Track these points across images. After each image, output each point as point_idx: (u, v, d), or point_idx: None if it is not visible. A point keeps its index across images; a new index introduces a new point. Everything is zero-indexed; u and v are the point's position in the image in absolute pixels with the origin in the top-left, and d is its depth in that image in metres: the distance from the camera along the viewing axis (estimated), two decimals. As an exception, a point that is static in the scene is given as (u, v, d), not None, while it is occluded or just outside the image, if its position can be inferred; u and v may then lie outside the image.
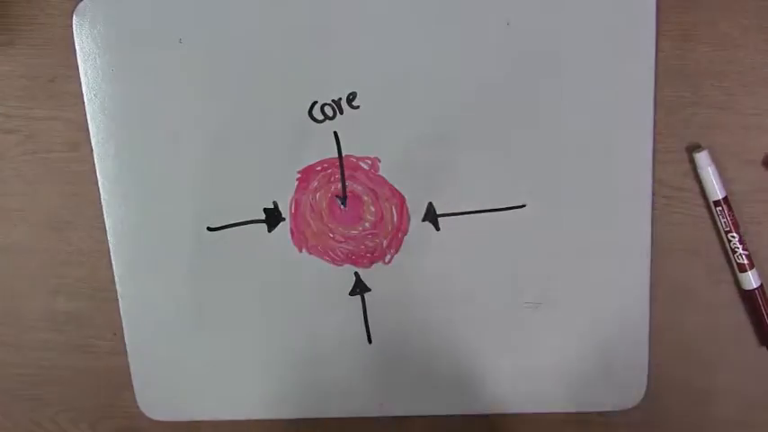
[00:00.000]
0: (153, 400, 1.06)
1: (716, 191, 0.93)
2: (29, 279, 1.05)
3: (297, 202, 0.97)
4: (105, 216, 0.99)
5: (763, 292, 0.96)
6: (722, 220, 0.94)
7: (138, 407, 1.06)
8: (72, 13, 0.94)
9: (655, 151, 0.94)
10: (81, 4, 0.94)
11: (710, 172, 0.92)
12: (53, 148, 1.00)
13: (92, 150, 0.98)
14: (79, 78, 0.96)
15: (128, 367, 1.04)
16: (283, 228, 0.98)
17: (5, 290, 1.06)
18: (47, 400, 1.10)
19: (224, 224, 0.99)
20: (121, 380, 1.05)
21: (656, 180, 0.94)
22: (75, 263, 1.04)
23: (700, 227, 0.96)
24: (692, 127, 0.94)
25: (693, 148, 0.93)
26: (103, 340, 1.06)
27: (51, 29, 0.97)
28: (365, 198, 0.97)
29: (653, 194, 0.94)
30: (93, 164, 0.98)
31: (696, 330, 1.00)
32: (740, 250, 0.95)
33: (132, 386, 1.06)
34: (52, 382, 1.09)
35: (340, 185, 0.97)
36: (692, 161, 0.94)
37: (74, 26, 0.94)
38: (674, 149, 0.94)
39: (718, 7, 0.91)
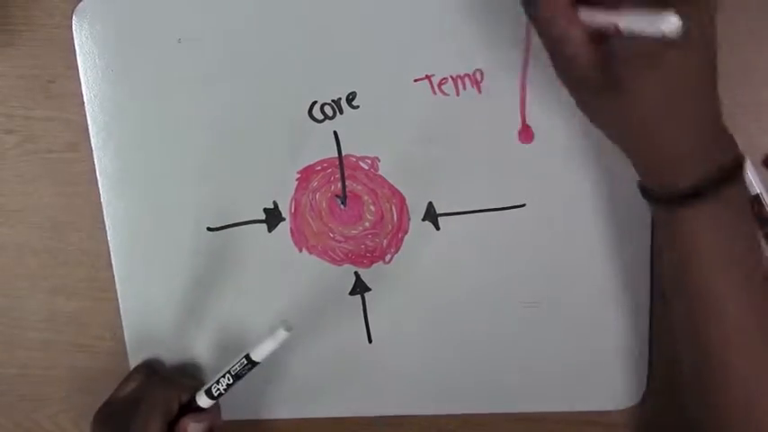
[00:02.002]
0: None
1: (753, 186, 0.92)
2: (29, 279, 1.05)
3: (297, 202, 0.97)
4: (105, 216, 1.00)
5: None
6: (758, 215, 0.94)
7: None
8: (72, 13, 0.94)
9: (655, 151, 0.93)
10: (81, 5, 0.94)
11: (746, 167, 0.91)
12: (53, 148, 1.00)
13: (91, 150, 0.98)
14: (79, 78, 0.96)
15: (127, 367, 1.04)
16: (283, 227, 0.98)
17: (5, 290, 1.06)
18: (47, 400, 1.10)
19: (224, 224, 0.99)
20: (121, 380, 1.05)
21: (656, 180, 0.94)
22: (75, 263, 1.04)
23: (699, 226, 0.96)
24: (691, 127, 0.94)
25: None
26: (103, 340, 1.06)
27: (51, 29, 0.97)
28: (365, 198, 0.97)
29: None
30: (93, 164, 0.98)
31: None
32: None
33: (132, 386, 1.06)
34: (52, 382, 1.09)
35: (340, 185, 0.97)
36: None
37: (73, 26, 0.94)
38: (674, 149, 0.94)
39: (719, 7, 0.91)
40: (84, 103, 0.96)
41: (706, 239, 0.79)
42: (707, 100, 0.76)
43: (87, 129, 0.97)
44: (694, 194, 0.77)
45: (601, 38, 0.73)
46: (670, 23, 0.63)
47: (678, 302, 0.85)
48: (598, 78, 0.74)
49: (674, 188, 0.78)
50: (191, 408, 0.95)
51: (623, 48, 0.71)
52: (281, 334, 0.87)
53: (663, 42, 0.66)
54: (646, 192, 0.82)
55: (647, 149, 0.79)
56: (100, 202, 1.00)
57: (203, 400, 0.94)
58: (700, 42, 0.71)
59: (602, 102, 0.77)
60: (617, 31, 0.70)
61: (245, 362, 0.90)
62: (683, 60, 0.71)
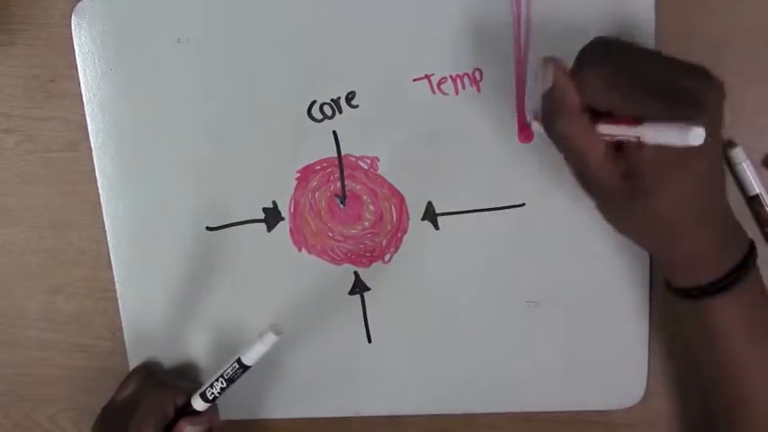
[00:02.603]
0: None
1: (753, 186, 0.93)
2: (29, 279, 1.05)
3: (296, 202, 0.97)
4: (105, 216, 1.00)
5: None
6: (758, 215, 0.94)
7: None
8: (71, 12, 0.94)
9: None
10: (80, 4, 0.94)
11: (746, 167, 0.92)
12: (53, 148, 1.00)
13: (91, 150, 0.98)
14: (78, 78, 0.96)
15: (127, 367, 1.05)
16: (283, 227, 0.98)
17: (5, 289, 1.06)
18: (46, 400, 1.10)
19: (223, 224, 0.99)
20: (120, 379, 1.05)
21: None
22: (75, 263, 1.04)
23: (699, 226, 0.96)
24: (691, 127, 0.94)
25: (727, 145, 0.93)
26: (103, 340, 1.06)
27: (51, 29, 0.97)
28: (364, 197, 0.97)
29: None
30: (93, 163, 0.98)
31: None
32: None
33: (131, 386, 1.06)
34: (52, 382, 1.09)
35: (339, 185, 0.97)
36: (726, 158, 0.93)
37: (73, 26, 0.94)
38: (674, 149, 0.94)
39: (718, 8, 0.91)
40: (83, 102, 0.96)
41: (732, 325, 0.83)
42: (722, 196, 0.80)
43: (87, 128, 0.97)
44: (719, 288, 0.80)
45: (619, 147, 0.75)
46: (697, 136, 0.65)
47: (708, 372, 0.89)
48: (622, 188, 0.76)
49: (700, 283, 0.81)
50: (187, 411, 0.96)
51: (646, 156, 0.73)
52: (270, 338, 0.88)
53: (687, 150, 0.68)
54: (669, 286, 0.85)
55: (673, 250, 0.82)
56: (99, 202, 1.00)
57: (198, 404, 0.95)
58: (714, 145, 0.74)
59: (626, 208, 0.79)
60: (638, 142, 0.72)
61: (237, 366, 0.90)
62: (702, 163, 0.73)
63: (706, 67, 0.75)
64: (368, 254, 0.99)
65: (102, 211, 1.00)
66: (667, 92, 0.72)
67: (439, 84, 0.93)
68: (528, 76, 0.91)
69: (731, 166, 0.93)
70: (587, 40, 0.81)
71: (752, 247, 0.82)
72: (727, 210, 0.81)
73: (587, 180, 0.80)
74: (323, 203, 0.97)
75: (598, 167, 0.76)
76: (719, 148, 0.77)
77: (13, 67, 0.99)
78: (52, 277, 1.05)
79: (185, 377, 1.04)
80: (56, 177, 1.01)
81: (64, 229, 1.03)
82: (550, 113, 0.78)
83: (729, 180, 0.94)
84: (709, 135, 0.67)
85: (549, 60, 0.78)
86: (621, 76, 0.74)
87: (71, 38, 0.95)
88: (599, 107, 0.76)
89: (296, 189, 0.97)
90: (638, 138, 0.71)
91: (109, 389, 1.02)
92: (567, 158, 0.80)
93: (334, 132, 0.95)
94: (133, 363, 1.05)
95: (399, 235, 0.98)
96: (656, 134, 0.69)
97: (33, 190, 1.02)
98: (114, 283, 1.03)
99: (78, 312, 1.06)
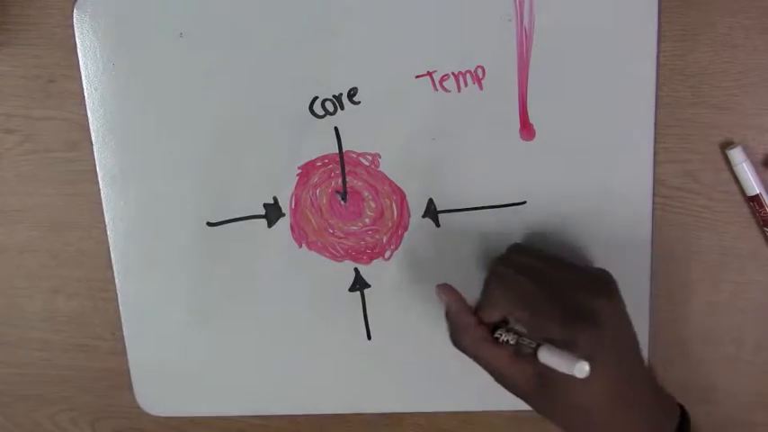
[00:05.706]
0: (152, 396, 1.07)
1: (753, 186, 0.93)
2: (29, 279, 1.05)
3: (297, 198, 0.97)
4: (105, 211, 1.00)
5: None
6: (758, 215, 0.94)
7: (136, 406, 1.07)
8: (72, 12, 0.94)
9: (655, 151, 0.94)
10: None
11: (746, 168, 0.92)
12: (53, 148, 1.00)
13: (91, 150, 0.98)
14: (79, 78, 0.96)
15: (127, 367, 1.05)
16: (283, 223, 0.98)
17: (5, 290, 1.06)
18: (46, 400, 1.10)
19: (224, 219, 0.99)
20: (121, 379, 1.06)
21: (655, 180, 0.94)
22: (75, 263, 1.04)
23: (699, 226, 0.96)
24: (691, 127, 0.94)
25: (726, 145, 0.93)
26: (103, 340, 1.07)
27: (51, 28, 0.97)
28: (365, 194, 0.97)
29: (653, 194, 0.94)
30: (93, 163, 0.98)
31: (696, 330, 1.00)
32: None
33: (131, 385, 1.06)
34: (52, 381, 1.09)
35: (340, 181, 0.97)
36: (726, 158, 0.94)
37: (74, 20, 0.94)
38: (674, 149, 0.95)
39: (719, 7, 0.91)
40: (83, 102, 0.97)
41: None
42: (638, 373, 0.82)
43: (87, 128, 0.97)
44: None
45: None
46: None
47: None
48: (535, 385, 0.80)
49: None
50: None
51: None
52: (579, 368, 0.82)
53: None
54: None
55: None
56: (100, 202, 1.00)
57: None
58: (619, 348, 0.79)
59: (544, 403, 0.81)
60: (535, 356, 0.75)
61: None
62: (611, 358, 0.77)
63: (606, 276, 0.84)
64: (368, 250, 0.99)
65: (102, 212, 1.00)
66: (564, 306, 0.77)
67: (441, 81, 0.93)
68: (530, 73, 0.92)
69: (731, 166, 0.93)
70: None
71: (683, 414, 0.82)
72: (647, 385, 0.82)
73: (503, 382, 0.83)
74: (324, 200, 0.97)
75: (507, 370, 0.81)
76: (628, 352, 0.80)
77: (14, 67, 0.99)
78: (52, 277, 1.05)
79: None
80: (56, 177, 1.01)
81: (64, 229, 1.03)
82: (451, 333, 0.87)
83: (730, 180, 0.94)
84: (602, 348, 0.75)
85: (441, 288, 0.89)
86: (523, 292, 0.82)
87: (71, 37, 0.95)
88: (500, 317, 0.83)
89: (297, 185, 0.97)
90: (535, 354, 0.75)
91: (109, 389, 1.02)
92: (481, 365, 0.84)
93: (336, 129, 0.95)
94: (133, 363, 1.05)
95: (400, 232, 0.98)
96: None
97: (33, 190, 1.02)
98: (114, 282, 1.03)
99: (78, 312, 1.06)
